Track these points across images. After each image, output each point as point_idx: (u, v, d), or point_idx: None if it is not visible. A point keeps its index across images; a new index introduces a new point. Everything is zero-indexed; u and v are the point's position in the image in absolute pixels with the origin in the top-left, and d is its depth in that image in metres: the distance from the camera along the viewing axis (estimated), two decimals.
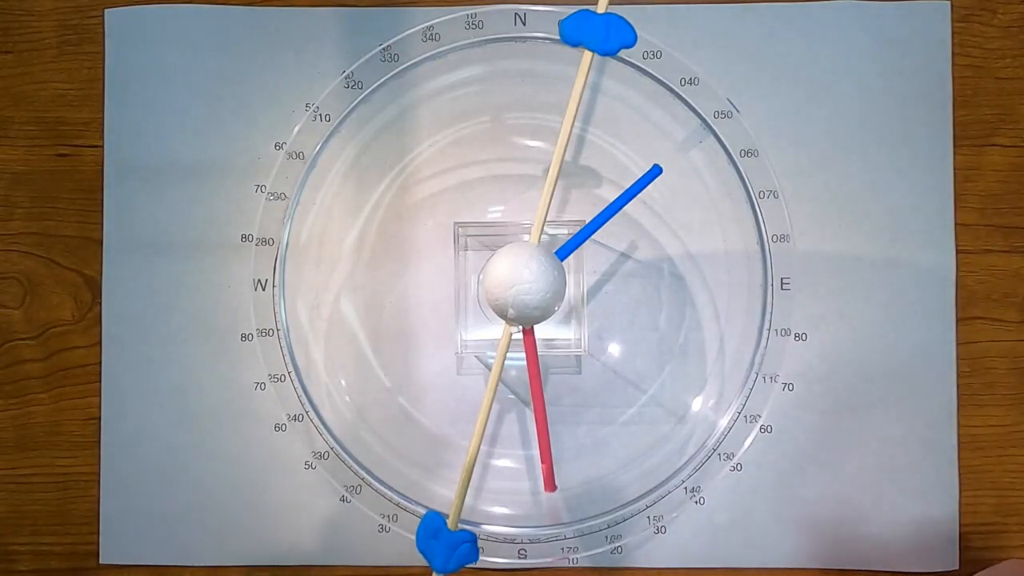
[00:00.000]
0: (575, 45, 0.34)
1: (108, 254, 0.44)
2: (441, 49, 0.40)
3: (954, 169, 0.43)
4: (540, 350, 0.36)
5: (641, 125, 0.42)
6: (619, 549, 0.42)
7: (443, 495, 0.41)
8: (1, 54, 0.44)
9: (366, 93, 0.40)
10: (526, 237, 0.39)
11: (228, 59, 0.44)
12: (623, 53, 0.34)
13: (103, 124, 0.44)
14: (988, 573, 0.41)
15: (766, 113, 0.43)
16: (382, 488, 0.40)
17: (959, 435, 0.43)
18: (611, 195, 0.37)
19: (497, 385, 0.34)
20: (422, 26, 0.40)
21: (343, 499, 0.43)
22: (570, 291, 0.39)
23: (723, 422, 0.40)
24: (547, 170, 0.37)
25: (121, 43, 0.44)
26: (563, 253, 0.36)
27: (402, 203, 0.43)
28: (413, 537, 0.34)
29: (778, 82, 0.43)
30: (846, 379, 0.43)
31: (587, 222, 0.36)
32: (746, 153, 0.40)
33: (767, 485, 0.43)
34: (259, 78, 0.44)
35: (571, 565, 0.43)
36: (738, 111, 0.40)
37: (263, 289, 0.40)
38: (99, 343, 0.44)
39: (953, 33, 0.43)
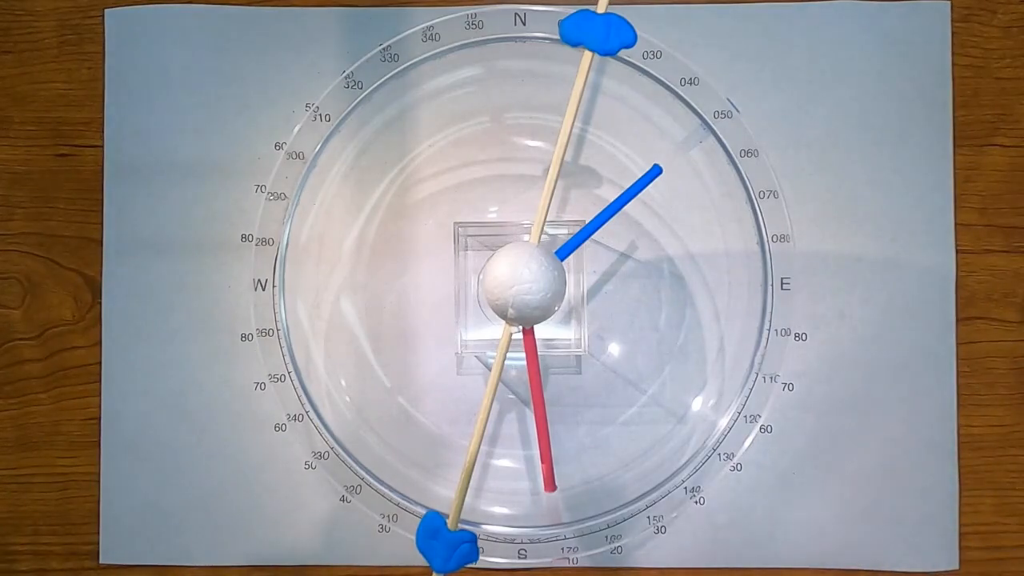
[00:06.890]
0: (575, 45, 0.34)
1: (108, 254, 0.44)
2: (441, 49, 0.40)
3: (954, 169, 0.43)
4: (540, 350, 0.36)
5: (641, 125, 0.42)
6: (619, 549, 0.42)
7: (443, 495, 0.41)
8: (1, 54, 0.44)
9: (366, 93, 0.40)
10: (526, 237, 0.39)
11: (228, 59, 0.44)
12: (623, 53, 0.34)
13: (103, 124, 0.44)
14: None
15: (766, 113, 0.43)
16: (382, 488, 0.40)
17: (959, 435, 0.43)
18: (611, 195, 0.37)
19: (497, 385, 0.34)
20: (422, 26, 0.40)
21: (343, 499, 0.43)
22: (570, 291, 0.39)
23: (723, 422, 0.40)
24: (547, 170, 0.37)
25: (121, 43, 0.44)
26: (563, 253, 0.36)
27: (402, 203, 0.43)
28: (413, 537, 0.34)
29: (778, 82, 0.43)
30: (846, 379, 0.43)
31: (587, 222, 0.36)
32: (746, 153, 0.40)
33: (767, 485, 0.43)
34: (259, 78, 0.44)
35: (571, 565, 0.43)
36: (738, 111, 0.40)
37: (263, 289, 0.40)
38: (99, 343, 0.44)
39: (953, 33, 0.43)
